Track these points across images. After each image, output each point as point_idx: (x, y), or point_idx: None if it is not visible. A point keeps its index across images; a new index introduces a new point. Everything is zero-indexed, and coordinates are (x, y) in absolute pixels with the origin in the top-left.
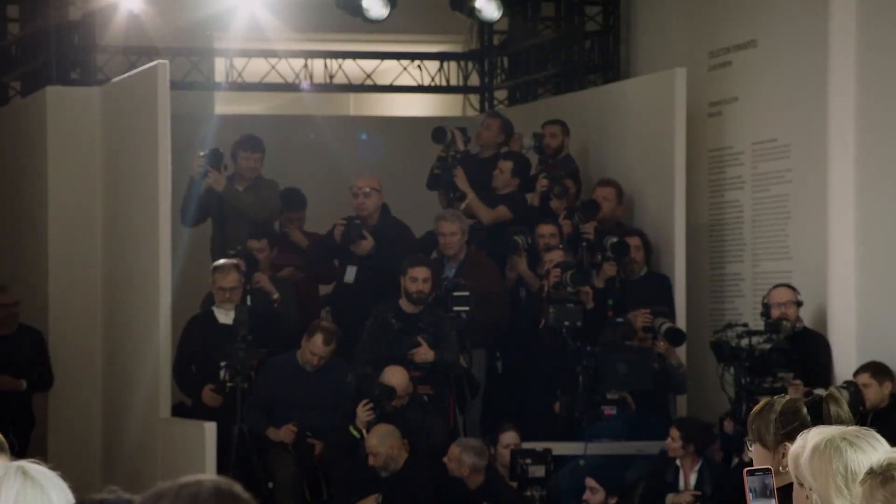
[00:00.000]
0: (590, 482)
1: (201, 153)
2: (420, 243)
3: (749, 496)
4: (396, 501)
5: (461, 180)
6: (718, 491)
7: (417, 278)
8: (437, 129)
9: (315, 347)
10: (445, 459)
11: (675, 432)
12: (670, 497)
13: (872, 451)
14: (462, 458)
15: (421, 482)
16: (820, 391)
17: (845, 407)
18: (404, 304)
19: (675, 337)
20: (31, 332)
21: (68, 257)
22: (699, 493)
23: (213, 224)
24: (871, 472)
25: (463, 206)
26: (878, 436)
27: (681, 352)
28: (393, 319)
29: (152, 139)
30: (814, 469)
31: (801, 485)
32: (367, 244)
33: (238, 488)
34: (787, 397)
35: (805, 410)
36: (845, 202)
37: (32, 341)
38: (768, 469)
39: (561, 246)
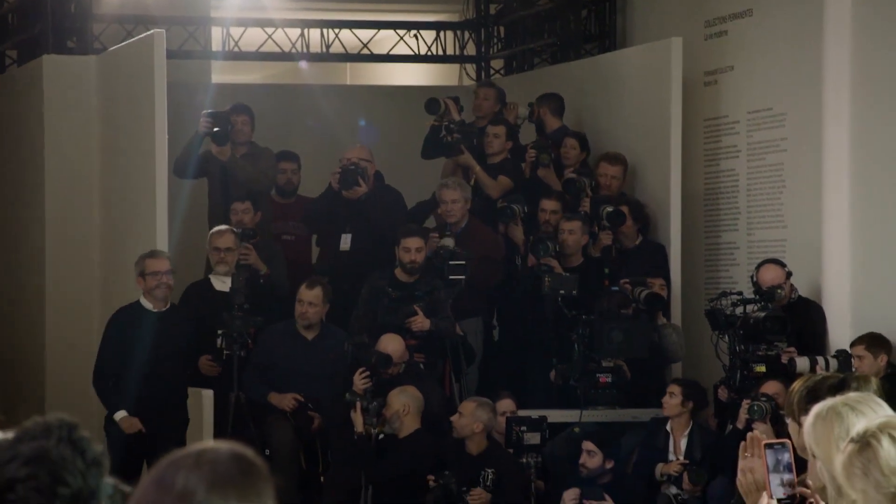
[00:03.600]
0: (588, 445)
1: (207, 112)
2: (415, 211)
3: (767, 467)
4: (396, 465)
5: (468, 155)
6: (709, 456)
7: (411, 248)
8: (431, 100)
9: (301, 295)
10: (456, 416)
11: (675, 388)
12: (660, 466)
13: (874, 415)
14: (477, 413)
15: (413, 453)
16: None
17: (873, 388)
18: (400, 273)
19: (654, 302)
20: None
21: (65, 226)
22: (687, 461)
23: (210, 191)
24: (851, 440)
25: (472, 181)
26: (880, 400)
27: (676, 319)
28: (389, 288)
29: (149, 108)
30: (817, 436)
31: (814, 456)
32: (361, 190)
33: (253, 454)
34: (821, 375)
35: (827, 387)
36: (840, 171)
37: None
38: (785, 442)
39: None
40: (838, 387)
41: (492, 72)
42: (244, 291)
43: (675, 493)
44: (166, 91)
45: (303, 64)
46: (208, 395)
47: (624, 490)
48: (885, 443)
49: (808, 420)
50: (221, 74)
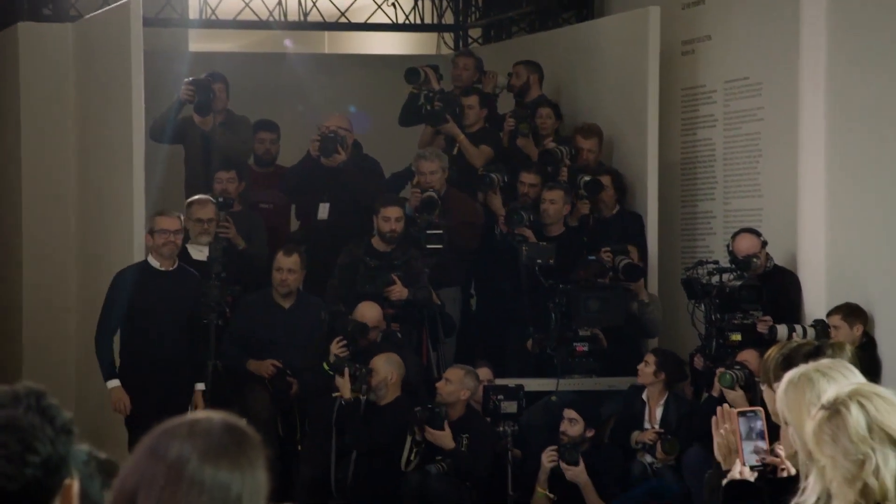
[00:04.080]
0: (570, 413)
1: (188, 80)
2: (391, 182)
3: (739, 434)
4: (382, 432)
5: (452, 124)
6: (684, 424)
7: (390, 217)
8: (410, 70)
9: (279, 263)
10: (442, 383)
11: (650, 357)
12: (635, 434)
13: (845, 381)
14: (465, 381)
15: (397, 420)
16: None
17: (847, 355)
18: (376, 242)
19: (632, 272)
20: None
21: (41, 194)
22: (662, 430)
23: (188, 158)
24: (821, 407)
25: (455, 150)
26: (852, 367)
27: (653, 288)
28: (367, 257)
29: (125, 76)
30: (789, 402)
31: (786, 422)
32: (340, 158)
33: (245, 425)
34: (796, 342)
35: (802, 354)
36: (816, 140)
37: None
38: (757, 410)
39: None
40: (813, 353)
41: (469, 41)
42: (222, 261)
43: (650, 462)
44: (143, 59)
45: (287, 42)
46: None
47: (600, 457)
48: (854, 410)
49: (781, 386)
50: (198, 43)
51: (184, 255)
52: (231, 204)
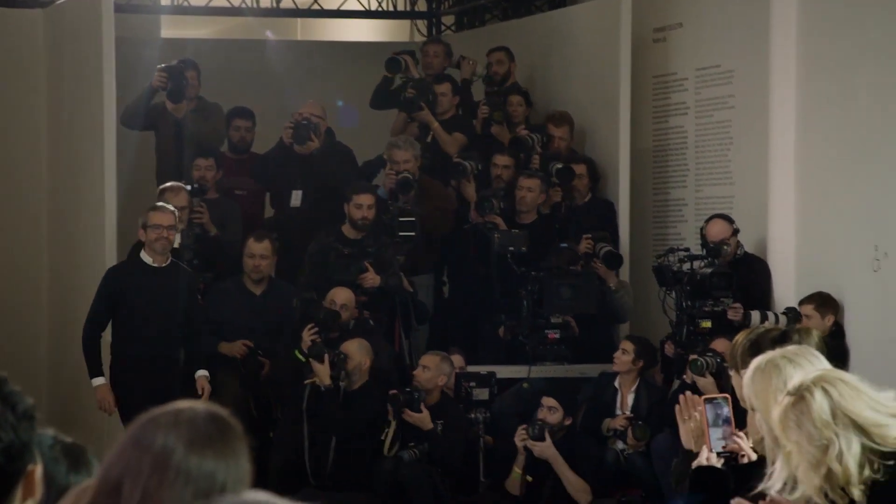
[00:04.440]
0: (549, 401)
1: (161, 67)
2: (362, 170)
3: (706, 422)
4: (360, 417)
5: (426, 111)
6: (655, 411)
7: (363, 205)
8: (391, 60)
9: (251, 249)
10: (420, 370)
11: (628, 345)
12: (607, 421)
13: (811, 367)
14: (442, 366)
15: (366, 405)
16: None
17: (814, 340)
18: (347, 229)
19: (612, 260)
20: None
21: (12, 181)
22: (632, 416)
23: (159, 145)
24: (787, 393)
25: (429, 137)
26: (818, 353)
27: (624, 275)
28: (339, 245)
29: (97, 63)
30: (756, 388)
31: (753, 408)
32: (313, 145)
33: (228, 414)
34: (763, 328)
35: (769, 340)
36: (786, 128)
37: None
38: (726, 397)
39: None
40: (780, 339)
41: (443, 28)
42: (193, 247)
43: (622, 449)
44: (114, 46)
45: (269, 34)
46: None
47: (572, 444)
48: (818, 396)
49: (748, 373)
50: (170, 29)
51: None
52: (206, 190)
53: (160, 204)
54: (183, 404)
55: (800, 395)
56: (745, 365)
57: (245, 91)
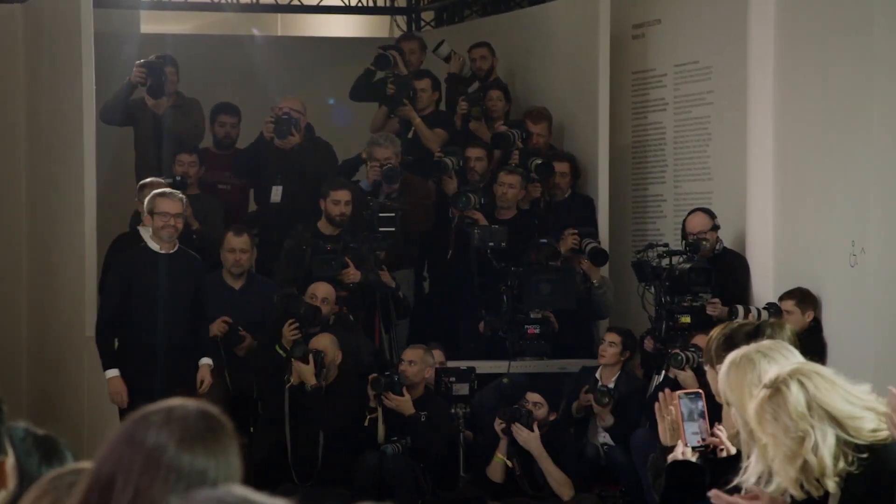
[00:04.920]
0: (534, 397)
1: (140, 63)
2: (342, 168)
3: (681, 416)
4: (324, 416)
5: (409, 107)
6: (636, 398)
7: (340, 201)
8: (381, 56)
9: (231, 244)
10: (406, 365)
11: (615, 337)
12: (575, 404)
13: (785, 361)
14: (426, 359)
15: (348, 399)
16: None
17: (787, 334)
18: (323, 225)
19: (598, 257)
20: None
21: None
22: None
23: (139, 141)
24: (763, 386)
25: (410, 133)
26: (791, 347)
27: (604, 271)
28: (321, 241)
29: (75, 59)
30: (731, 382)
31: (728, 402)
32: (294, 140)
33: (219, 412)
34: (737, 323)
35: (743, 335)
36: (764, 124)
37: None
38: (699, 392)
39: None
40: (754, 334)
41: (422, 24)
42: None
43: (603, 443)
44: (93, 42)
45: (255, 31)
46: None
47: (554, 439)
48: (794, 388)
49: (723, 367)
50: (149, 24)
51: (135, 237)
52: (187, 185)
53: (168, 190)
54: (175, 402)
55: (776, 388)
56: (720, 360)
57: (225, 86)
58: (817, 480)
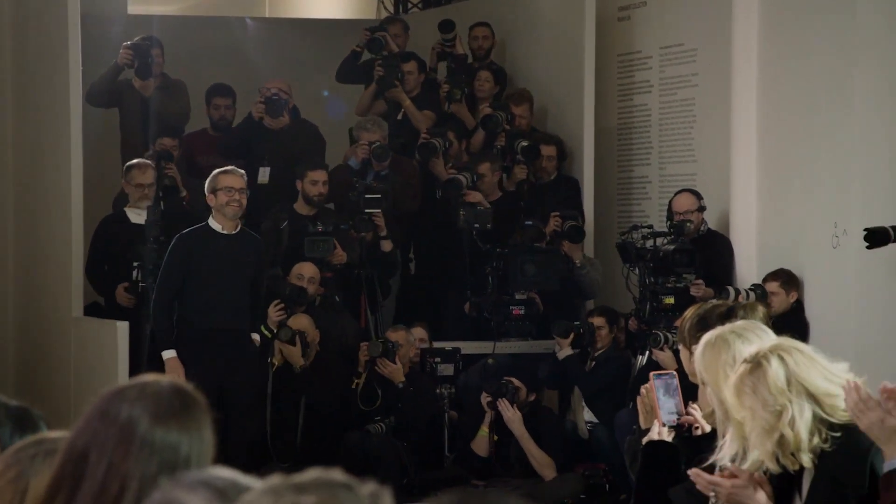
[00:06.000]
0: (511, 381)
1: (127, 44)
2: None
3: (656, 395)
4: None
5: (399, 89)
6: (622, 373)
7: (318, 181)
8: (372, 40)
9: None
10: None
11: (600, 320)
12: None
13: (759, 341)
14: (409, 339)
15: (334, 379)
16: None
17: (759, 315)
18: (300, 206)
19: (574, 235)
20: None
21: None
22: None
23: (124, 123)
24: (744, 361)
25: (400, 115)
26: (765, 328)
27: (589, 252)
28: (309, 223)
29: (62, 40)
30: (706, 362)
31: (703, 382)
32: (284, 120)
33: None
34: (712, 303)
35: (716, 315)
36: (748, 106)
37: None
38: (672, 372)
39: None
40: (727, 315)
41: (409, 5)
42: (160, 224)
43: (588, 420)
44: (80, 23)
45: (248, 20)
46: (123, 326)
47: (536, 420)
48: (775, 363)
49: (699, 348)
50: (136, 6)
51: (121, 217)
52: (170, 157)
53: (229, 168)
54: (149, 377)
55: (757, 362)
56: (694, 340)
57: (211, 68)
58: (793, 455)
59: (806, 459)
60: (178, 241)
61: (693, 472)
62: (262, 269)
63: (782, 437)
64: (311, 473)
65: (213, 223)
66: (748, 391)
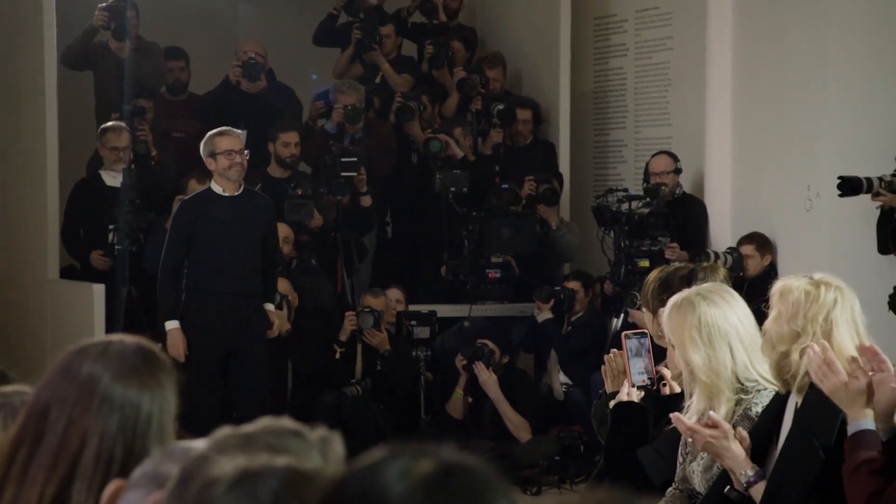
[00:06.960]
0: (485, 343)
1: (102, 6)
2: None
3: (627, 355)
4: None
5: (377, 52)
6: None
7: (290, 143)
8: (351, 1)
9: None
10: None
11: (575, 284)
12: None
13: (726, 304)
14: (385, 302)
15: (315, 342)
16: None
17: (720, 277)
18: (273, 169)
19: (550, 198)
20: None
21: None
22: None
23: (99, 85)
24: (810, 276)
25: (378, 78)
26: (731, 290)
27: (565, 216)
28: (288, 186)
29: (37, 1)
30: (672, 324)
31: (671, 344)
32: (261, 84)
33: (157, 349)
34: (674, 266)
35: (678, 278)
36: (723, 70)
37: None
38: (645, 332)
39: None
40: (688, 278)
41: None
42: (136, 187)
43: (563, 382)
44: None
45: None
46: (99, 289)
47: (510, 382)
48: (830, 297)
49: (666, 309)
50: None
51: (96, 180)
52: (143, 112)
53: (224, 128)
54: (114, 337)
55: (820, 284)
56: (657, 303)
57: (184, 30)
58: (787, 382)
59: (797, 386)
60: (181, 207)
61: (674, 416)
62: (274, 228)
63: (786, 357)
64: (260, 423)
65: (215, 186)
66: (792, 299)
